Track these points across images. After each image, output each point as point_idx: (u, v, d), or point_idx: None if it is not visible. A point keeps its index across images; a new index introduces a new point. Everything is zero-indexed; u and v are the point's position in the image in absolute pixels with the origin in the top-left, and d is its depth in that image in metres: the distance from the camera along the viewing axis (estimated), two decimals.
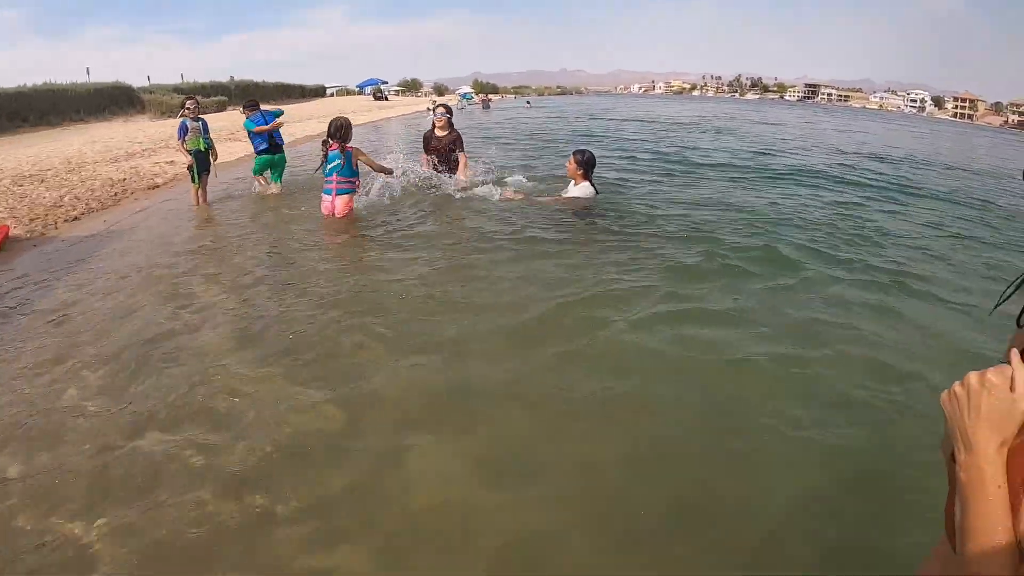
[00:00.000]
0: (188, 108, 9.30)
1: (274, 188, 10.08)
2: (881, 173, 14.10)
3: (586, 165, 7.80)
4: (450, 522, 2.63)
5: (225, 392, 3.63)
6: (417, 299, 4.96)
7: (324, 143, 7.75)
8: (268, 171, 10.24)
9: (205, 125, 9.51)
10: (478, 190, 8.61)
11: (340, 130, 7.66)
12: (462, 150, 9.15)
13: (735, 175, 11.97)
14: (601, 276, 5.40)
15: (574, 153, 7.94)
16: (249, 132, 9.99)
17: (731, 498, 2.78)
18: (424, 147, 9.26)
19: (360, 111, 40.33)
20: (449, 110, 9.22)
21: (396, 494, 2.79)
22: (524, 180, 9.16)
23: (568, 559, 2.45)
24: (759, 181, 11.45)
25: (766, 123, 32.31)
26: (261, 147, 9.99)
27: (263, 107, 10.36)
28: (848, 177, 12.68)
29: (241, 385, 3.70)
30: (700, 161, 13.66)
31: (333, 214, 7.67)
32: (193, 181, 9.43)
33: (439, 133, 9.08)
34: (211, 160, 9.61)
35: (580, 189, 7.83)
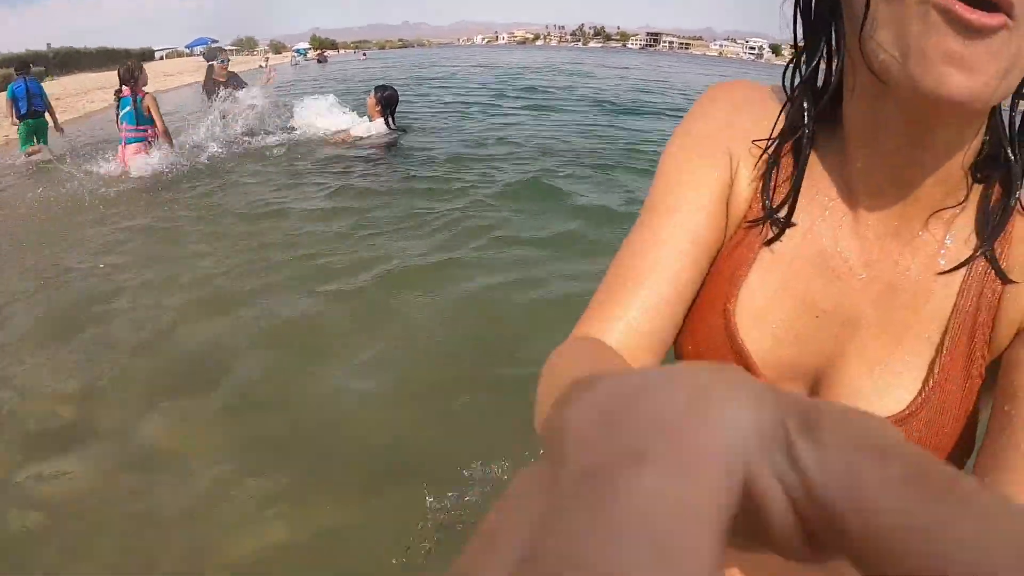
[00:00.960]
0: None
1: (44, 152, 9.15)
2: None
3: (385, 101, 7.49)
4: None
5: None
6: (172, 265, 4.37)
7: (117, 92, 7.11)
8: (35, 138, 9.35)
9: None
10: (272, 138, 8.03)
11: (128, 73, 6.97)
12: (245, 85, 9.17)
13: (569, 114, 11.82)
14: (371, 224, 4.96)
15: (375, 89, 7.62)
16: (10, 98, 9.19)
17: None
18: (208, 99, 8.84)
19: (187, 72, 38.18)
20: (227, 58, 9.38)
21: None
22: (319, 121, 8.61)
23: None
24: (593, 118, 11.28)
25: (608, 67, 32.79)
26: (23, 111, 9.12)
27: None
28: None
29: None
30: (535, 102, 13.41)
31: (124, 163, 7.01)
32: None
33: (221, 80, 8.92)
34: None
35: (373, 126, 7.49)
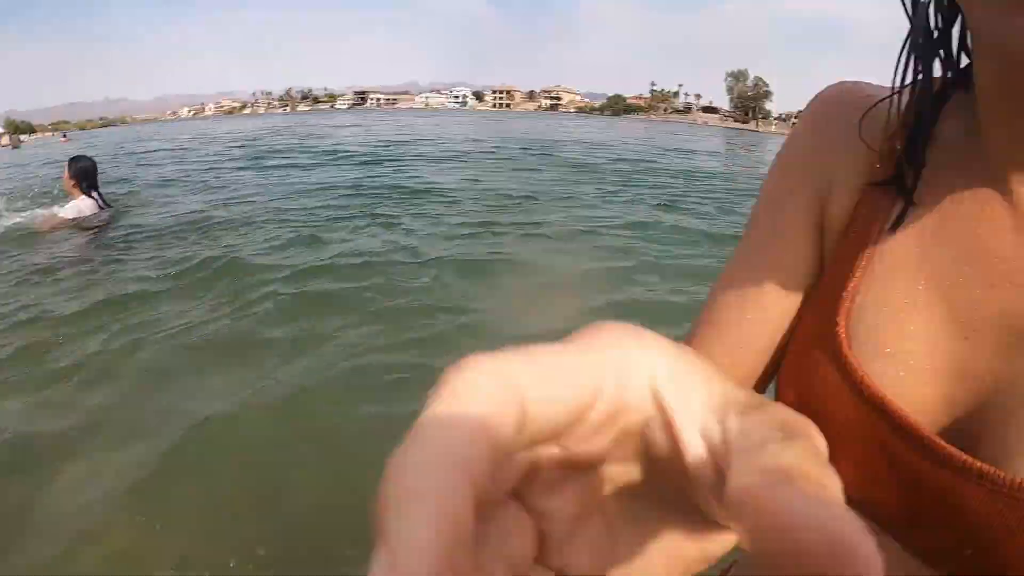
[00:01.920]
0: None
1: None
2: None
3: (80, 174, 6.61)
4: None
5: None
6: None
7: None
8: None
9: None
10: None
11: None
12: None
13: (302, 171, 11.85)
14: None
15: (69, 162, 6.69)
16: None
17: None
18: None
19: None
20: None
21: None
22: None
23: None
24: (325, 173, 11.45)
25: (325, 125, 32.74)
26: None
27: None
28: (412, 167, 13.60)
29: None
30: (258, 165, 13.19)
31: None
32: None
33: None
34: None
35: (75, 207, 6.57)
